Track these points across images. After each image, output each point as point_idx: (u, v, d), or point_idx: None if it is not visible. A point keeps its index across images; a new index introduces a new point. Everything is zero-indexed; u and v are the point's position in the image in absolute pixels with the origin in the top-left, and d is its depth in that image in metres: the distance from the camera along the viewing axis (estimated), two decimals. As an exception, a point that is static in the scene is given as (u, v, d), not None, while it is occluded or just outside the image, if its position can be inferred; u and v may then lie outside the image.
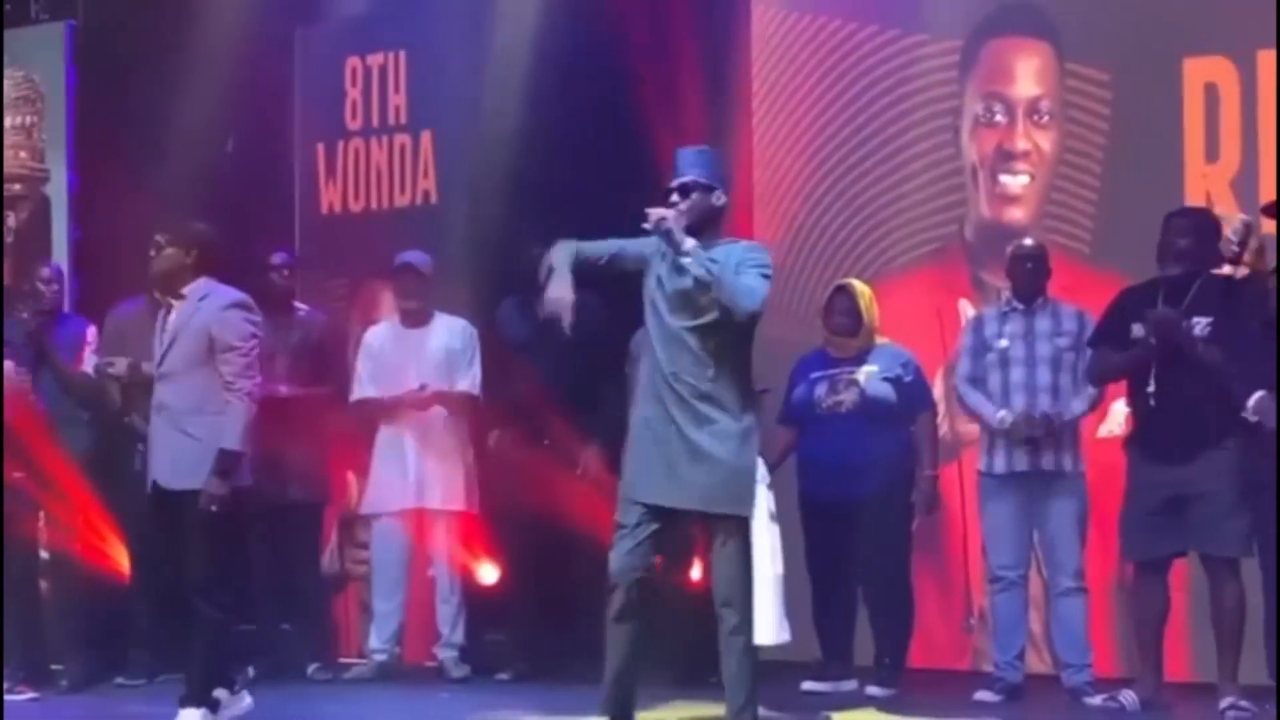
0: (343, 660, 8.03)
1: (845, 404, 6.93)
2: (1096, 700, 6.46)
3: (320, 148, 9.05)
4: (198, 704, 5.88)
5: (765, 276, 5.26)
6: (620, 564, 5.28)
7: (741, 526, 5.27)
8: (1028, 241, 6.96)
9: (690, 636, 7.18)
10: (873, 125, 7.86)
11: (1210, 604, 6.22)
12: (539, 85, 8.06)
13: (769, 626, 5.22)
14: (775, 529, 5.27)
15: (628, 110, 7.80)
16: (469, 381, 7.64)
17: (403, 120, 8.84)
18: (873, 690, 6.83)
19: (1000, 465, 6.73)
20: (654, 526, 5.29)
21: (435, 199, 8.72)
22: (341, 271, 8.86)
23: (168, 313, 5.96)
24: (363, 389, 7.70)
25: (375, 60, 8.91)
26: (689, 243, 5.24)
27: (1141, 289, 6.35)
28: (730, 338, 5.29)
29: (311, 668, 7.66)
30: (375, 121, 8.91)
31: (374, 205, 8.91)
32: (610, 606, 5.27)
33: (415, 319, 7.70)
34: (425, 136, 8.75)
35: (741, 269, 5.25)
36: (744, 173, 8.12)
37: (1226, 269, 6.20)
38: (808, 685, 6.96)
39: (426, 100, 8.73)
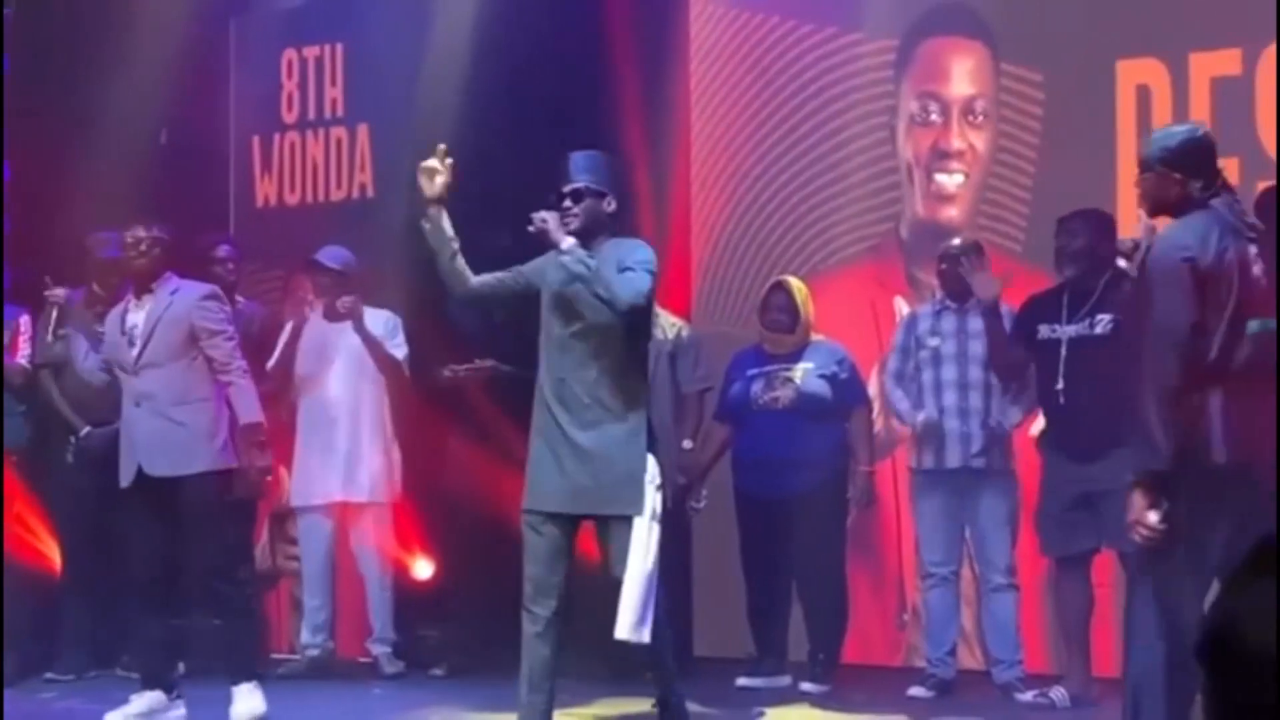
0: (275, 656, 7.99)
1: (781, 400, 6.96)
2: (1027, 696, 6.51)
3: (256, 140, 8.99)
4: (248, 678, 6.19)
5: (649, 273, 5.21)
6: (537, 579, 5.24)
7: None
8: (955, 241, 7.01)
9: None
10: (809, 123, 7.89)
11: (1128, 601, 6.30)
12: (476, 80, 8.04)
13: (627, 624, 5.14)
14: (656, 528, 5.20)
15: (564, 107, 7.79)
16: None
17: (339, 113, 8.79)
18: (807, 686, 6.86)
19: (930, 462, 6.78)
20: (557, 533, 5.26)
21: (372, 193, 8.69)
22: (277, 265, 8.80)
23: (125, 309, 6.15)
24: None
25: (311, 52, 8.86)
26: (567, 241, 5.21)
27: (1046, 295, 6.46)
28: (613, 339, 5.23)
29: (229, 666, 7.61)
30: (311, 114, 8.86)
31: (310, 199, 8.86)
32: (534, 621, 5.22)
33: (338, 314, 7.67)
34: (362, 130, 8.72)
35: (624, 265, 5.21)
36: (681, 169, 8.13)
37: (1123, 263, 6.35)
38: (742, 681, 6.98)
39: (363, 94, 8.69)
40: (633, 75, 7.89)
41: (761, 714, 6.37)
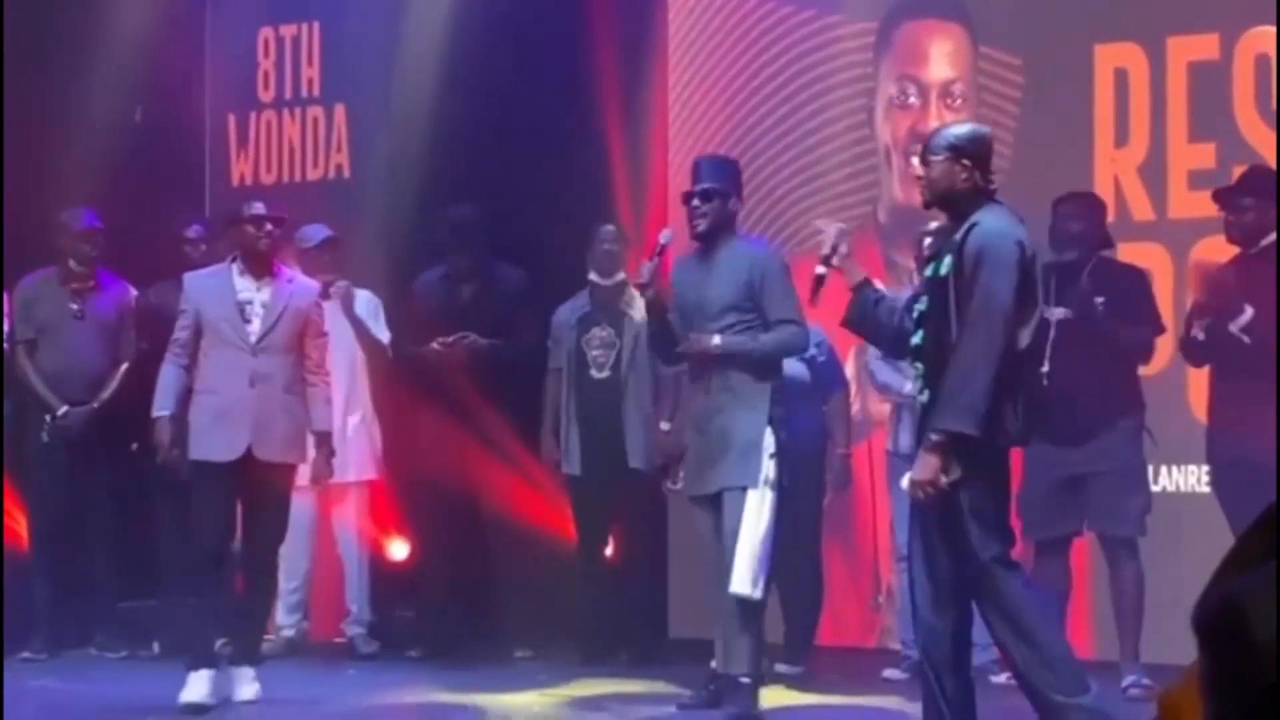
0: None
1: (758, 383, 6.95)
2: (1001, 678, 6.51)
3: (231, 119, 8.95)
4: (251, 662, 6.27)
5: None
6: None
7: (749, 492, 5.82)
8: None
9: (596, 615, 7.21)
10: (788, 105, 7.89)
11: (1109, 583, 6.32)
12: (452, 60, 8.02)
13: (744, 579, 5.73)
14: (770, 495, 5.76)
15: (541, 87, 7.78)
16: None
17: (315, 93, 8.76)
18: (782, 668, 6.87)
19: (906, 444, 6.78)
20: (705, 512, 5.90)
21: (348, 173, 8.66)
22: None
23: (230, 279, 6.19)
24: None
25: (288, 31, 8.82)
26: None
27: None
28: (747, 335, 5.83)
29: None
30: (288, 93, 8.82)
31: (286, 178, 8.83)
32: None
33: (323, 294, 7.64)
34: (338, 110, 8.68)
35: (780, 318, 5.84)
36: (659, 152, 8.12)
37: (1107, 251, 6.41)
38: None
39: (340, 73, 8.66)
40: (610, 57, 7.88)
41: (737, 695, 6.37)
